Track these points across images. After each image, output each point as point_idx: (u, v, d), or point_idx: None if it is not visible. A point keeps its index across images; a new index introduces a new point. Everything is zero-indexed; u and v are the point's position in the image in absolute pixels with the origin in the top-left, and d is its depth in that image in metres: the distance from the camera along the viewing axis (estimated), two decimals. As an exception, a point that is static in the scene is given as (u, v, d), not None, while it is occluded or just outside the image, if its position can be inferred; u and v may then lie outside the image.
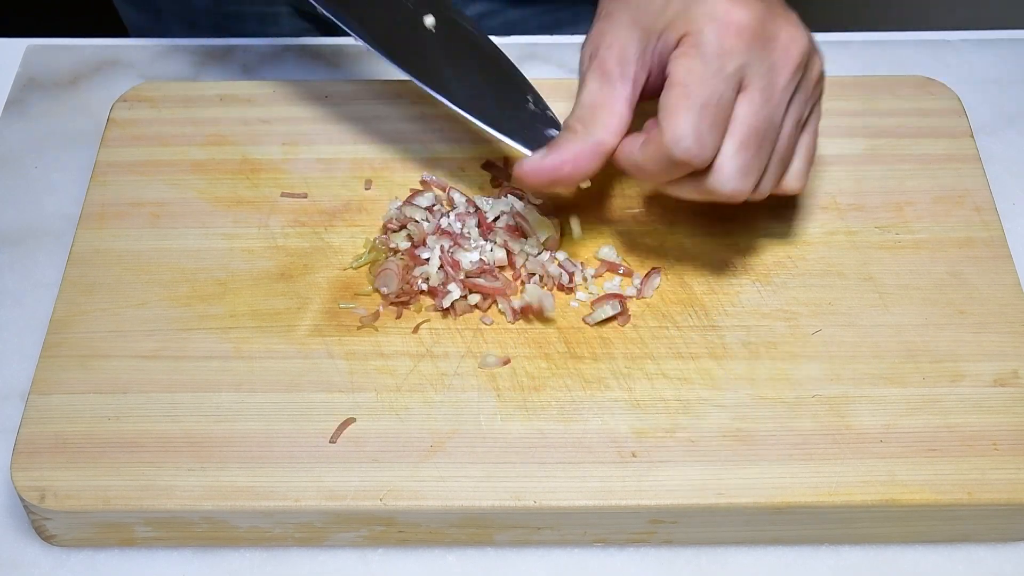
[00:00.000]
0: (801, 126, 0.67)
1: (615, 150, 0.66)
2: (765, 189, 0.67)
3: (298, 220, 0.76)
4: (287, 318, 0.71)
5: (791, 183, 0.68)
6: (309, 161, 0.79)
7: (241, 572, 0.66)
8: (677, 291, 0.73)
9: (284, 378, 0.69)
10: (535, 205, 0.75)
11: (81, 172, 0.82)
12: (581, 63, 0.68)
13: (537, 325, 0.71)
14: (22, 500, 0.65)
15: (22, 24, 1.67)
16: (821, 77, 0.68)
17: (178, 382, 0.69)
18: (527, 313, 0.71)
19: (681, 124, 0.62)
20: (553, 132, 0.71)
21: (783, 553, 0.66)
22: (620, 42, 0.65)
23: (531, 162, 0.67)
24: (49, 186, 0.82)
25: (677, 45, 0.63)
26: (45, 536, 0.66)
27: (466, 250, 0.73)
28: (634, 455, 0.66)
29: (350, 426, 0.67)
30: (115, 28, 1.10)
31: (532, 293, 0.71)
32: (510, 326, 0.71)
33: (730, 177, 0.64)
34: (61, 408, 0.67)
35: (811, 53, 0.66)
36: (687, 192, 0.66)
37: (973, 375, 0.69)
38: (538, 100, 0.73)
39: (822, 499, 0.64)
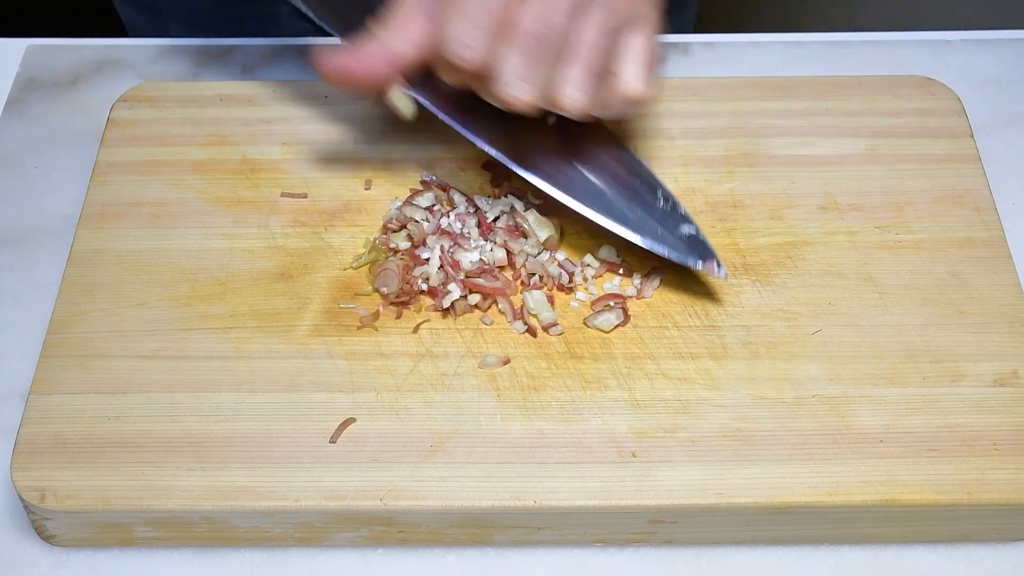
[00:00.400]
0: (617, 32, 0.67)
1: (412, 59, 0.68)
2: (574, 99, 0.66)
3: (298, 220, 0.76)
4: (287, 318, 0.71)
5: (630, 86, 0.68)
6: (309, 161, 0.79)
7: (241, 572, 0.66)
8: (677, 291, 0.73)
9: (284, 378, 0.69)
10: (535, 205, 0.75)
11: (81, 172, 0.82)
12: None
13: (537, 325, 0.71)
14: (22, 500, 0.65)
15: (22, 24, 1.67)
16: None
17: (178, 382, 0.69)
18: (530, 330, 0.71)
19: (453, 28, 0.64)
20: (688, 228, 0.72)
21: (783, 553, 0.66)
22: None
23: (329, 56, 0.68)
24: (49, 186, 0.82)
25: None
26: (45, 536, 0.66)
27: (466, 250, 0.73)
28: (634, 455, 0.66)
29: (350, 426, 0.67)
30: (115, 28, 1.10)
31: (536, 303, 0.71)
32: (510, 326, 0.71)
33: (507, 82, 0.65)
34: (61, 408, 0.67)
35: None
36: (490, 97, 0.67)
37: (973, 375, 0.69)
38: (667, 194, 0.74)
39: (822, 499, 0.64)
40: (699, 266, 0.71)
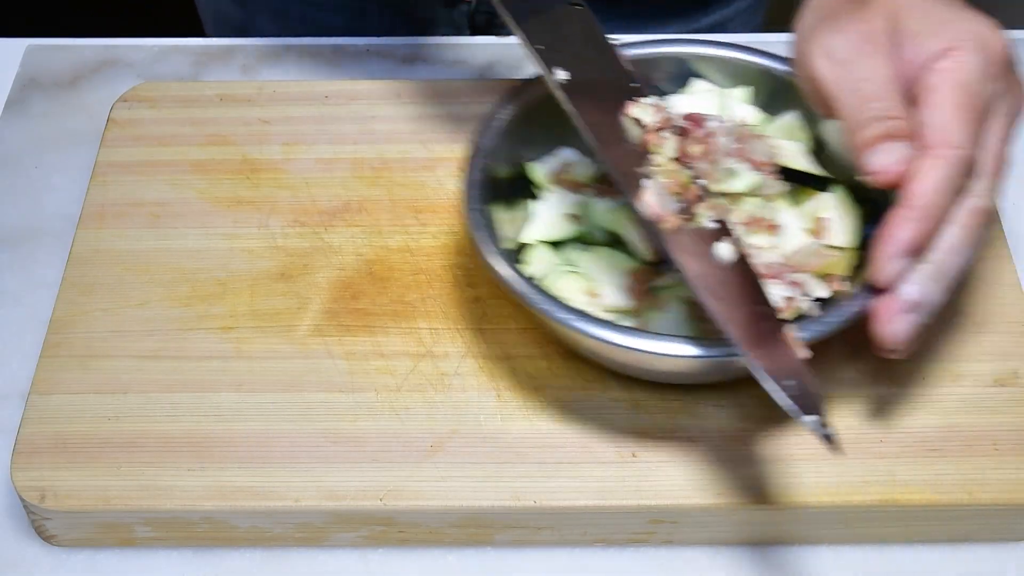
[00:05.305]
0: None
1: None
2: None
3: (298, 220, 0.76)
4: (287, 318, 0.71)
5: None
6: (309, 161, 0.79)
7: (241, 572, 0.66)
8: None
9: (284, 378, 0.69)
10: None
11: (81, 172, 0.82)
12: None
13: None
14: (22, 500, 0.65)
15: (22, 24, 1.67)
16: None
17: (178, 382, 0.69)
18: None
19: (956, 128, 0.60)
20: None
21: (783, 553, 0.66)
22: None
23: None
24: (49, 186, 0.82)
25: (940, 57, 0.61)
26: (45, 536, 0.66)
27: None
28: (634, 455, 0.66)
29: (349, 426, 0.67)
30: (115, 28, 1.10)
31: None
32: (511, 326, 0.71)
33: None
34: (61, 408, 0.67)
35: None
36: None
37: (973, 375, 0.69)
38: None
39: (822, 499, 0.64)
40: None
